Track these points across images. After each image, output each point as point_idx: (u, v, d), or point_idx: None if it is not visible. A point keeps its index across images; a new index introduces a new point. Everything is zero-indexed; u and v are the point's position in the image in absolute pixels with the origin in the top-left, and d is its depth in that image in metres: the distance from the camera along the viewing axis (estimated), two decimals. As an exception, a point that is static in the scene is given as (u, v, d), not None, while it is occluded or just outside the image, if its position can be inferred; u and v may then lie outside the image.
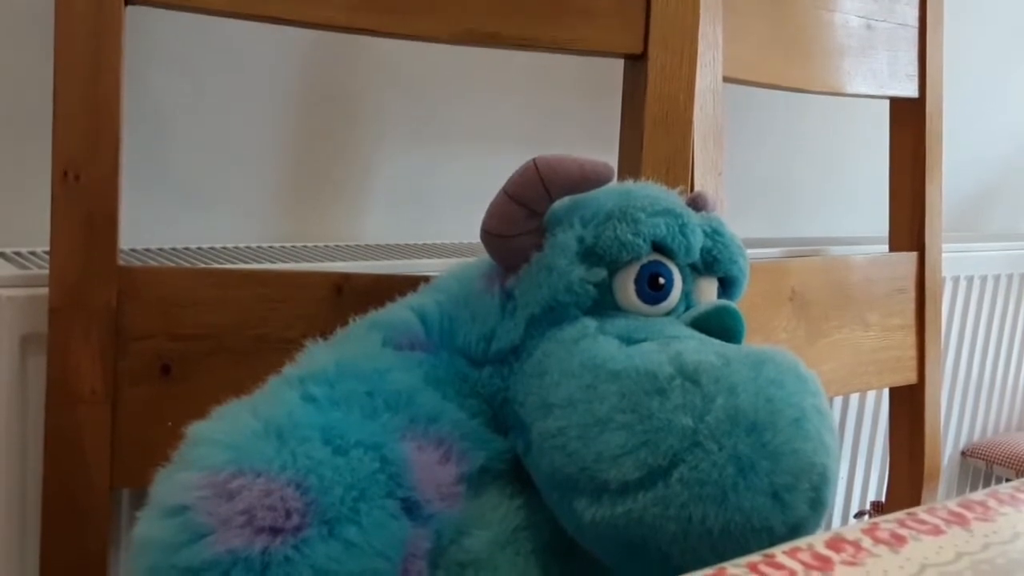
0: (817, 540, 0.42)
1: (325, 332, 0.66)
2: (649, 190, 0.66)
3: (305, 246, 1.01)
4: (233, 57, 0.98)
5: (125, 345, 0.73)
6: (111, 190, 0.71)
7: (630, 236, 0.61)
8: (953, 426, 1.57)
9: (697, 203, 0.68)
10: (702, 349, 0.57)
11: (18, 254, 0.84)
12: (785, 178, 1.49)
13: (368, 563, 0.53)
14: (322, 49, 1.04)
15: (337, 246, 1.02)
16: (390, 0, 0.79)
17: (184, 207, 0.98)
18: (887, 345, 1.20)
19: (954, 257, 1.42)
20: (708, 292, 0.66)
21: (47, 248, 0.71)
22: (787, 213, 1.51)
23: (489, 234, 0.64)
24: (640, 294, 0.62)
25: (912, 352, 1.23)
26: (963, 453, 1.59)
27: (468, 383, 0.64)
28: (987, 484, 1.60)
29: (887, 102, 1.23)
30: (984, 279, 1.54)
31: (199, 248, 0.95)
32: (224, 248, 0.96)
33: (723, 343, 0.59)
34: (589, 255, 0.62)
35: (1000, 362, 1.63)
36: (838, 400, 1.37)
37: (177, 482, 0.54)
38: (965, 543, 0.43)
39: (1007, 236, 1.72)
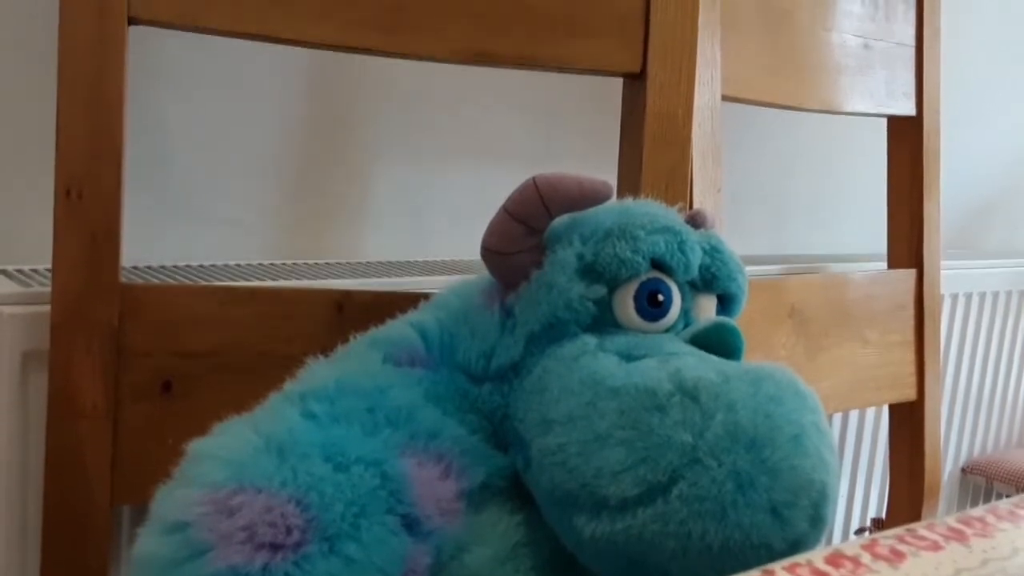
0: (816, 556, 0.42)
1: (326, 349, 0.67)
2: (648, 208, 0.66)
3: (306, 263, 1.01)
4: (234, 76, 0.99)
5: (126, 362, 0.73)
6: (113, 207, 0.72)
7: (629, 253, 0.62)
8: (953, 443, 1.57)
9: (696, 220, 0.68)
10: (701, 366, 0.57)
11: (20, 271, 0.84)
12: (784, 195, 1.50)
13: (368, 579, 0.53)
14: (322, 67, 1.04)
15: (338, 263, 1.03)
16: (389, 19, 0.79)
17: (186, 225, 0.98)
18: (886, 362, 1.20)
19: (953, 274, 1.42)
20: (707, 309, 0.66)
21: (49, 265, 0.71)
22: (786, 230, 1.51)
23: (489, 251, 0.64)
24: (639, 311, 0.62)
25: (911, 369, 1.23)
26: (963, 470, 1.59)
27: (468, 400, 0.64)
28: (987, 501, 1.59)
29: (885, 120, 1.24)
30: (983, 296, 1.55)
31: (200, 265, 0.95)
32: (226, 265, 0.96)
33: (722, 360, 0.60)
34: (588, 272, 0.62)
35: (1000, 379, 1.63)
36: (838, 417, 1.37)
37: (178, 498, 0.54)
38: (964, 559, 0.43)
39: (1005, 253, 1.73)
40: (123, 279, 0.73)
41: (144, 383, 0.74)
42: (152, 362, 0.74)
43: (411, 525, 0.56)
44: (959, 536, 0.46)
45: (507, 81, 1.15)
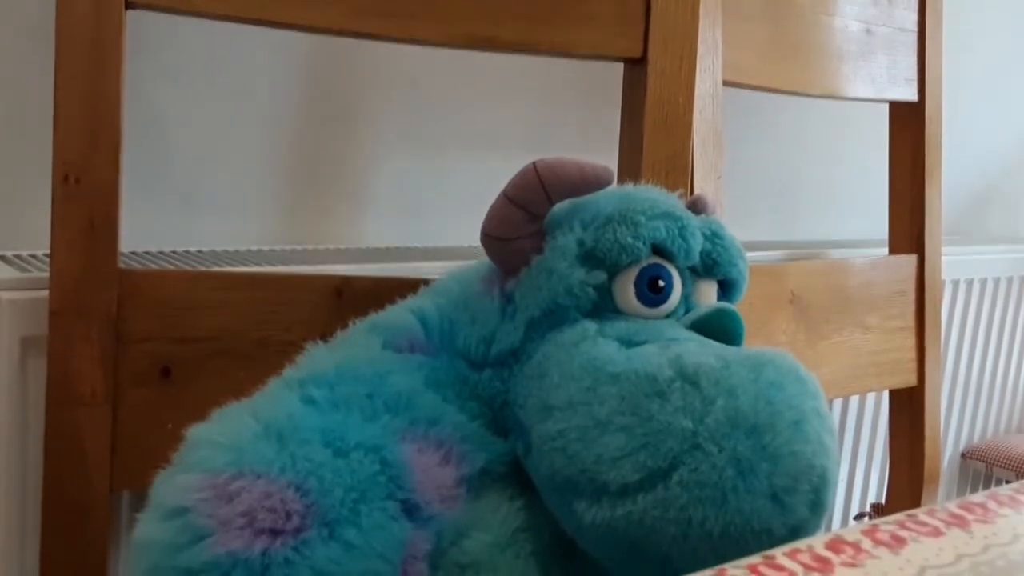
0: (817, 542, 0.42)
1: (325, 335, 0.66)
2: (649, 193, 0.66)
3: (305, 249, 1.01)
4: (233, 60, 0.98)
5: (125, 348, 0.73)
6: (111, 193, 0.72)
7: (630, 239, 0.62)
8: (953, 428, 1.57)
9: (697, 206, 0.68)
10: (702, 352, 0.57)
11: (18, 257, 0.84)
12: (785, 181, 1.49)
13: (368, 565, 0.53)
14: (321, 53, 1.04)
15: (337, 249, 1.02)
16: (389, 4, 0.79)
17: (184, 210, 0.98)
18: (887, 348, 1.20)
19: (954, 260, 1.42)
20: (708, 295, 0.66)
21: (47, 251, 0.71)
22: (787, 216, 1.51)
23: (489, 237, 0.64)
24: (640, 297, 0.62)
25: (912, 355, 1.23)
26: (963, 455, 1.60)
27: (468, 385, 0.64)
28: (987, 486, 1.59)
29: (887, 106, 1.23)
30: (984, 282, 1.54)
31: (199, 251, 0.95)
32: (224, 251, 0.96)
33: (723, 346, 0.60)
34: (589, 258, 0.62)
35: (1000, 364, 1.63)
36: (838, 402, 1.37)
37: (177, 484, 0.54)
38: (965, 545, 0.43)
39: (1007, 239, 1.72)
40: (122, 265, 0.73)
41: (143, 369, 0.74)
42: (151, 348, 0.74)
43: (411, 511, 0.56)
44: (960, 522, 0.46)
45: (508, 67, 1.14)
